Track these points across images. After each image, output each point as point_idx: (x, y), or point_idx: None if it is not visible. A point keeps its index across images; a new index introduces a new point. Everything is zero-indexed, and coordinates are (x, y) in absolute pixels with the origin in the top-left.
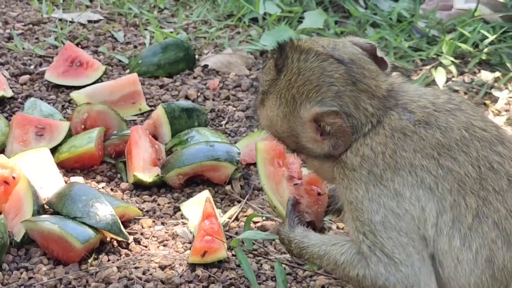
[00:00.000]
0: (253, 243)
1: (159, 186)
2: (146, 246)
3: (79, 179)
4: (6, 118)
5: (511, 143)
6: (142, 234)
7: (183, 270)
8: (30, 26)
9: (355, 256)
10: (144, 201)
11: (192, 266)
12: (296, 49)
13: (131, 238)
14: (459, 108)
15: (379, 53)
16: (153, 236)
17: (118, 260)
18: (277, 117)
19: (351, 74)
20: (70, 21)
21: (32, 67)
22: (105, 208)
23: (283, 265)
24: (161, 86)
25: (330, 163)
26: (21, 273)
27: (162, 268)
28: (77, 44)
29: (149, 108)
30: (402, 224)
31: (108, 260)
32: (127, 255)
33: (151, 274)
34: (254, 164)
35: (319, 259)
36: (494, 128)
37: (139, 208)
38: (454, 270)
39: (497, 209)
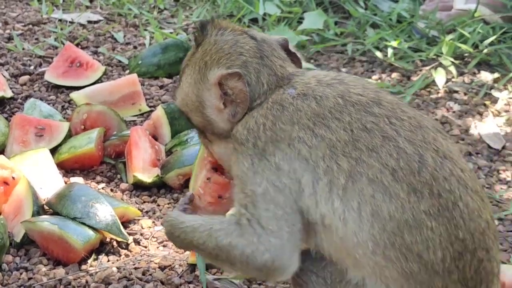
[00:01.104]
0: None
1: (159, 187)
2: (145, 247)
3: (79, 179)
4: (6, 118)
5: (389, 103)
6: (141, 234)
7: (182, 270)
8: (30, 26)
9: (232, 226)
10: (144, 202)
11: (192, 267)
12: (215, 27)
13: (130, 238)
14: (341, 81)
15: (292, 48)
16: (153, 237)
17: (117, 260)
18: (189, 87)
19: (260, 49)
20: (70, 22)
21: (32, 67)
22: (105, 208)
23: None
24: (161, 87)
25: (229, 143)
26: (21, 274)
27: (162, 268)
28: (77, 45)
29: (149, 109)
30: (280, 198)
31: (108, 261)
32: (126, 255)
33: (150, 275)
34: None
35: (192, 233)
36: (373, 92)
37: (138, 209)
38: (343, 230)
39: (370, 165)
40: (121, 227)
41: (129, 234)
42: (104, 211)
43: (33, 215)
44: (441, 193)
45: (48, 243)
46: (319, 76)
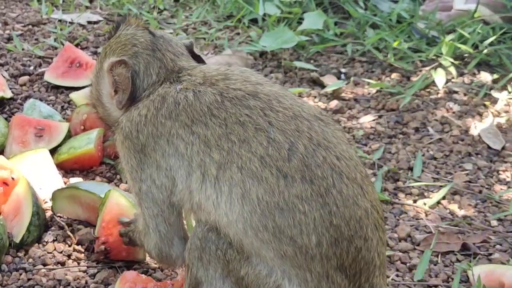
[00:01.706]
0: None
1: None
2: None
3: (78, 180)
4: (6, 119)
5: (266, 95)
6: None
7: (183, 270)
8: (30, 27)
9: (140, 227)
10: None
11: None
12: (126, 23)
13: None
14: (225, 77)
15: (196, 50)
16: None
17: (117, 261)
18: (93, 77)
19: (154, 43)
20: (69, 22)
21: (31, 68)
22: None
23: None
24: None
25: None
26: (20, 274)
27: (162, 268)
28: (77, 45)
29: None
30: (159, 195)
31: (108, 261)
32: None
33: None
34: None
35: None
36: (253, 85)
37: None
38: (216, 212)
39: (241, 155)
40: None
41: None
42: None
43: (32, 216)
44: (313, 179)
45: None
46: (207, 71)
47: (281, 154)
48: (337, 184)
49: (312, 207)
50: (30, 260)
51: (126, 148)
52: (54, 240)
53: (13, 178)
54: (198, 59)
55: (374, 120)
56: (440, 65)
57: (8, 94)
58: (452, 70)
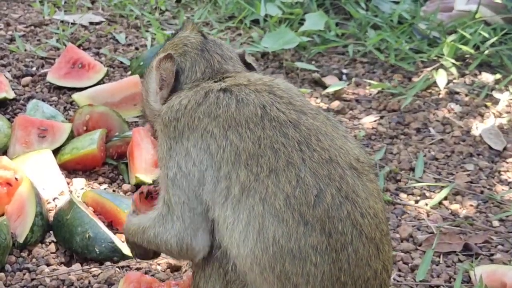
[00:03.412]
0: None
1: None
2: None
3: (81, 180)
4: (9, 119)
5: (307, 128)
6: None
7: (186, 269)
8: (32, 28)
9: (156, 218)
10: None
11: None
12: (183, 29)
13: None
14: (270, 89)
15: (248, 59)
16: None
17: (121, 260)
18: (146, 74)
19: (204, 44)
20: (71, 23)
21: (34, 68)
22: (101, 238)
23: None
24: None
25: None
26: (24, 274)
27: (164, 269)
28: (79, 46)
29: None
30: (184, 183)
31: (111, 260)
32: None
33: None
34: None
35: (135, 234)
36: (297, 112)
37: None
38: (229, 239)
39: (266, 186)
40: (123, 249)
41: None
42: (102, 241)
43: (36, 216)
44: (332, 233)
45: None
46: (252, 77)
47: (307, 199)
48: (355, 242)
49: (324, 260)
50: (34, 260)
51: (163, 135)
52: (57, 241)
53: (16, 179)
54: (250, 67)
55: (375, 120)
56: (442, 66)
57: (11, 94)
58: (454, 71)
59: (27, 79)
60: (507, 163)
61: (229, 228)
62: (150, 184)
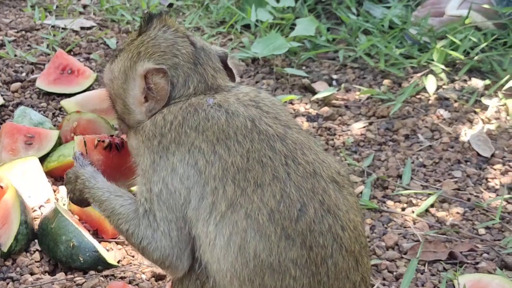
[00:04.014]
0: None
1: None
2: (133, 256)
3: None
4: None
5: (294, 142)
6: None
7: (170, 279)
8: (23, 32)
9: (132, 212)
10: None
11: None
12: (161, 21)
13: (119, 246)
14: (257, 105)
15: (230, 63)
16: None
17: (105, 269)
18: (119, 71)
19: (196, 56)
20: (62, 28)
21: (23, 74)
22: (86, 247)
23: None
24: None
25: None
26: (8, 284)
27: (149, 278)
28: (70, 51)
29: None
30: (171, 201)
31: (96, 270)
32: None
33: (137, 285)
34: None
35: (99, 202)
36: (283, 126)
37: None
38: (210, 254)
39: (252, 201)
40: (107, 258)
41: (117, 243)
42: (86, 250)
43: (20, 225)
44: (313, 247)
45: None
46: (239, 94)
47: (290, 213)
48: (335, 255)
49: (304, 273)
50: (18, 269)
51: (145, 147)
52: (42, 249)
53: (1, 187)
54: (230, 72)
55: (364, 127)
56: (431, 72)
57: (0, 100)
58: (443, 76)
59: (17, 85)
60: (495, 169)
61: (211, 244)
62: (111, 135)
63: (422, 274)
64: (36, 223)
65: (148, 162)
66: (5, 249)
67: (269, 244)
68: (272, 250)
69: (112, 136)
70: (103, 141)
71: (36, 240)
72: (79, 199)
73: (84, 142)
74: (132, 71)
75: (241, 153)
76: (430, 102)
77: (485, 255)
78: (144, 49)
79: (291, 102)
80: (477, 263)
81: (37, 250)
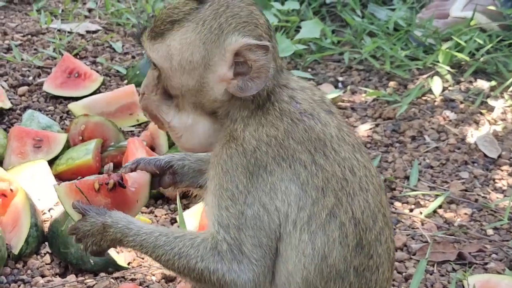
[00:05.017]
0: None
1: (156, 198)
2: (143, 258)
3: None
4: (5, 129)
5: (365, 153)
6: None
7: (180, 280)
8: (29, 37)
9: (208, 251)
10: (142, 212)
11: None
12: None
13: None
14: (330, 110)
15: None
16: None
17: (116, 271)
18: (192, 45)
19: (270, 28)
20: (68, 32)
21: (30, 78)
22: None
23: None
24: None
25: (209, 120)
26: (19, 286)
27: (159, 279)
28: (76, 55)
29: (146, 119)
30: (268, 223)
31: (106, 272)
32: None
33: (147, 286)
34: None
35: (154, 248)
36: (354, 137)
37: None
38: (295, 264)
39: (346, 210)
40: (117, 259)
41: None
42: None
43: (31, 227)
44: (373, 255)
45: None
46: (307, 90)
47: (368, 223)
48: (384, 265)
49: (359, 280)
50: (29, 271)
51: (236, 165)
52: (52, 252)
53: (11, 190)
54: None
55: (371, 128)
56: (437, 73)
57: (7, 104)
58: (449, 78)
59: (24, 88)
60: (502, 170)
61: (299, 253)
62: (109, 174)
63: (431, 274)
64: (46, 226)
65: (244, 183)
66: (16, 251)
67: (345, 253)
68: (346, 258)
69: (108, 174)
70: (107, 183)
71: (46, 243)
72: (102, 249)
73: (79, 189)
74: (218, 45)
75: (338, 162)
76: (436, 103)
77: (493, 255)
78: (225, 21)
79: None
80: (486, 263)
81: (47, 252)
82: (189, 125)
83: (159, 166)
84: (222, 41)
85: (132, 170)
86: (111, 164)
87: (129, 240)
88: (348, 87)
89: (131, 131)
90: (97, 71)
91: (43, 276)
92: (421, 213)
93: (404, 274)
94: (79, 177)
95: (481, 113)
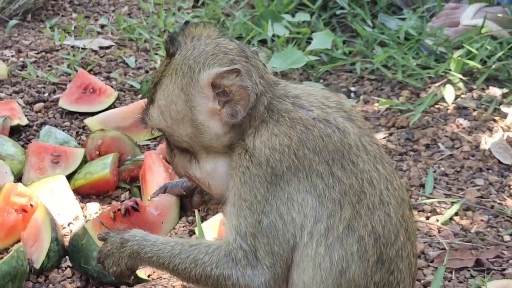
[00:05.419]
0: None
1: None
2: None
3: (95, 205)
4: (22, 146)
5: (388, 165)
6: None
7: None
8: (43, 53)
9: (223, 258)
10: None
11: None
12: (188, 36)
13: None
14: (350, 117)
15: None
16: None
17: (136, 284)
18: (173, 96)
19: (243, 50)
20: (82, 48)
21: (46, 94)
22: None
23: None
24: None
25: (226, 157)
26: None
27: None
28: (90, 71)
29: (161, 133)
30: (283, 232)
31: (127, 284)
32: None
33: None
34: None
35: (170, 258)
36: (377, 146)
37: None
38: (312, 276)
39: (365, 224)
40: (137, 271)
41: None
42: None
43: (51, 242)
44: (394, 271)
45: None
46: (317, 95)
47: (390, 238)
48: (406, 280)
49: None
50: (50, 285)
51: (254, 175)
52: (73, 265)
53: (31, 205)
54: None
55: (384, 137)
56: (449, 81)
57: (24, 121)
58: (461, 86)
59: (40, 105)
60: None
61: (316, 266)
62: (121, 201)
63: (449, 281)
64: (66, 240)
65: (262, 192)
66: (37, 266)
67: (365, 268)
68: (366, 274)
69: (122, 201)
70: (119, 210)
71: (67, 257)
72: (126, 270)
73: (100, 222)
74: (193, 86)
75: (356, 174)
76: (449, 111)
77: (511, 261)
78: (193, 61)
79: None
80: (504, 269)
81: (68, 266)
82: (211, 170)
83: (185, 187)
84: (196, 80)
85: (160, 192)
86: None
87: (147, 251)
88: (361, 97)
89: (146, 144)
90: (111, 86)
91: None
92: (437, 220)
93: (422, 281)
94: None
95: (494, 120)
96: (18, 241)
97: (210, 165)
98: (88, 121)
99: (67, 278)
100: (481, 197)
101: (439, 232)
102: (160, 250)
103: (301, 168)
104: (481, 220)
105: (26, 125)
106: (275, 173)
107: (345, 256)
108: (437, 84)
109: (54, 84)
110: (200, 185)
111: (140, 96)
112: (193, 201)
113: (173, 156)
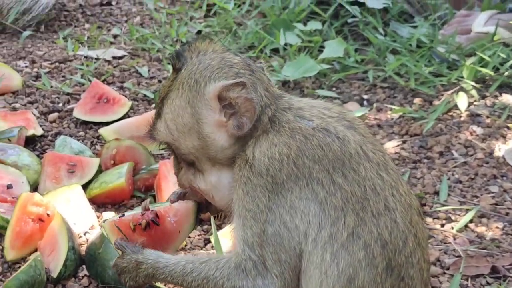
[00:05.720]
0: None
1: None
2: None
3: (110, 214)
4: (38, 156)
5: (393, 171)
6: None
7: None
8: (57, 64)
9: (233, 270)
10: None
11: None
12: (193, 51)
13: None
14: (352, 125)
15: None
16: None
17: None
18: (179, 109)
19: (248, 64)
20: (95, 58)
21: (60, 104)
22: None
23: None
24: None
25: (230, 169)
26: None
27: None
28: (103, 81)
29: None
30: (288, 240)
31: None
32: None
33: None
34: None
35: (182, 277)
36: (381, 154)
37: None
38: (319, 284)
39: (370, 231)
40: (154, 283)
41: None
42: None
43: (68, 251)
44: (404, 278)
45: None
46: (320, 107)
47: (398, 245)
48: (418, 285)
49: None
50: None
51: (255, 185)
52: (90, 275)
53: (48, 214)
54: None
55: (398, 145)
56: (462, 89)
57: (39, 131)
58: (474, 93)
59: (54, 115)
60: None
61: (322, 273)
62: (142, 214)
63: None
64: (82, 249)
65: (264, 202)
66: (54, 275)
67: (374, 275)
68: (376, 281)
69: (142, 214)
70: (140, 224)
71: (83, 266)
72: (142, 283)
73: (118, 227)
74: (200, 99)
75: (357, 181)
76: (462, 119)
77: None
78: (199, 75)
79: None
80: None
81: (85, 275)
82: (215, 182)
83: None
84: (202, 93)
85: (180, 198)
86: (147, 201)
87: (160, 273)
88: (374, 105)
89: (161, 154)
90: (125, 96)
91: None
92: (452, 228)
93: None
94: (120, 215)
95: (507, 127)
96: (35, 250)
97: (215, 177)
98: (103, 130)
99: (84, 287)
100: (496, 204)
101: (454, 239)
102: (172, 270)
103: (301, 176)
104: (496, 227)
105: (41, 135)
106: (275, 182)
107: (352, 262)
108: (450, 92)
109: (68, 94)
110: (204, 197)
111: (153, 105)
112: (210, 207)
113: (180, 169)
